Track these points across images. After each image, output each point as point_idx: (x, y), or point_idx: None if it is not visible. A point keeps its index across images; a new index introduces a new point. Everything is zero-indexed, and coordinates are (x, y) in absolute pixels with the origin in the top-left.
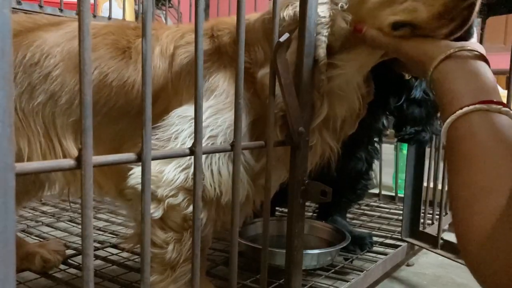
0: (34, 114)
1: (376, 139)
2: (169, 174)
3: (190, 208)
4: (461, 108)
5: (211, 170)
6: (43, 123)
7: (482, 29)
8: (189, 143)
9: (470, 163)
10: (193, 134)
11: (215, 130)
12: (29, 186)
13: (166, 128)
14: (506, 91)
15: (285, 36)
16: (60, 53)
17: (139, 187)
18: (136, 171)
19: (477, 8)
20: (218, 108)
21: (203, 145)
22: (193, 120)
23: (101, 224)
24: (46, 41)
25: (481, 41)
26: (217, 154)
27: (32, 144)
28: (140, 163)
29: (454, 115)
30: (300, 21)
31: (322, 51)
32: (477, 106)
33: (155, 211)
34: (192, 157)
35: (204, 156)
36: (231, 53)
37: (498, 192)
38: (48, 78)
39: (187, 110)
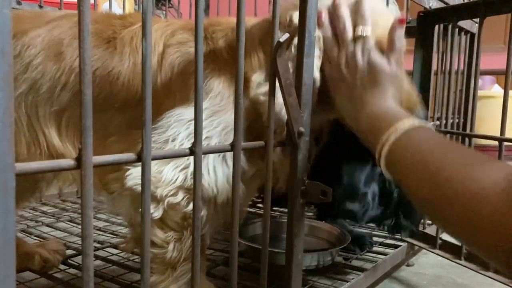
0: (17, 105)
1: None
2: (168, 174)
3: (190, 206)
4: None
5: (208, 170)
6: (26, 113)
7: (480, 29)
8: (186, 145)
9: (439, 159)
10: (190, 136)
11: (210, 132)
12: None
13: (163, 130)
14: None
15: (285, 36)
16: (41, 43)
17: (137, 188)
18: (134, 171)
19: None
20: (213, 110)
21: None
22: (190, 123)
23: (101, 224)
24: (27, 33)
25: (478, 41)
26: (211, 155)
27: (16, 135)
28: (137, 163)
29: (387, 140)
30: (300, 21)
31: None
32: (403, 126)
33: (155, 211)
34: (190, 157)
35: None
36: (226, 57)
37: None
38: (29, 68)
39: (183, 112)
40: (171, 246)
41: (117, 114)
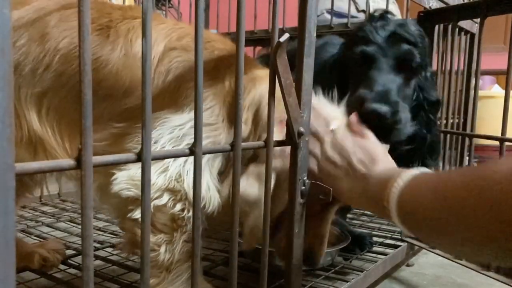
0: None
1: None
2: (152, 178)
3: (177, 207)
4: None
5: (189, 175)
6: None
7: (480, 29)
8: (168, 148)
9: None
10: (173, 140)
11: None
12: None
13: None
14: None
15: (285, 36)
16: (25, 24)
17: (123, 192)
18: (119, 176)
19: None
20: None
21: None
22: (175, 128)
23: (101, 224)
24: (11, 18)
25: (479, 41)
26: (190, 161)
27: None
28: (123, 167)
29: (396, 188)
30: (300, 21)
31: None
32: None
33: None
34: (170, 160)
35: (178, 163)
36: (223, 77)
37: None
38: (13, 49)
39: (170, 116)
40: (162, 248)
41: (99, 102)
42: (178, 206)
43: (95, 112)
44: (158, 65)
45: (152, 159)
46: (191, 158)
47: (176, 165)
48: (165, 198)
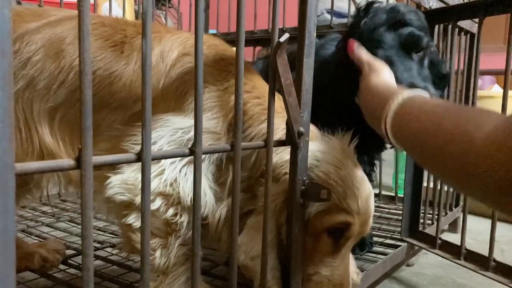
0: (14, 101)
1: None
2: None
3: (169, 212)
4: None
5: (187, 179)
6: (22, 109)
7: (479, 29)
8: (166, 149)
9: (440, 116)
10: (172, 143)
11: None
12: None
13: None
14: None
15: (285, 36)
16: (41, 40)
17: (117, 197)
18: (113, 180)
19: None
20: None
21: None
22: (176, 131)
23: (101, 224)
24: (27, 30)
25: (478, 41)
26: (182, 164)
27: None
28: (118, 170)
29: (394, 104)
30: (300, 21)
31: None
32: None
33: (135, 220)
34: (166, 163)
35: (174, 167)
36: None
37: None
38: (28, 64)
39: (172, 119)
40: (158, 253)
41: (111, 113)
42: (171, 211)
43: (107, 122)
44: (170, 70)
45: (152, 159)
46: (189, 162)
47: (172, 168)
48: (158, 203)
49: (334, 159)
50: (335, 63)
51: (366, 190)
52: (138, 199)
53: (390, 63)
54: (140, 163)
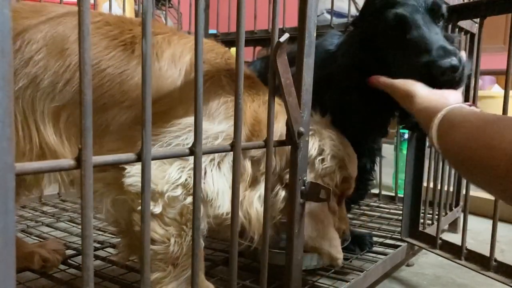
0: (14, 100)
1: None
2: (172, 174)
3: (188, 200)
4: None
5: (212, 175)
6: (22, 108)
7: (480, 29)
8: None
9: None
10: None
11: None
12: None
13: (176, 135)
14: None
15: (285, 36)
16: (43, 39)
17: (136, 185)
18: (132, 169)
19: None
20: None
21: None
22: (204, 138)
23: (101, 224)
24: (27, 29)
25: (478, 41)
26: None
27: None
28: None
29: (441, 113)
30: (300, 21)
31: None
32: (452, 106)
33: (155, 207)
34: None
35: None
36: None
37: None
38: (30, 62)
39: (191, 123)
40: (172, 240)
41: (122, 112)
42: (189, 199)
43: (119, 121)
44: (186, 74)
45: (152, 159)
46: (214, 160)
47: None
48: (179, 191)
49: (340, 141)
50: (339, 55)
51: (356, 160)
52: (159, 187)
53: (417, 26)
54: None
